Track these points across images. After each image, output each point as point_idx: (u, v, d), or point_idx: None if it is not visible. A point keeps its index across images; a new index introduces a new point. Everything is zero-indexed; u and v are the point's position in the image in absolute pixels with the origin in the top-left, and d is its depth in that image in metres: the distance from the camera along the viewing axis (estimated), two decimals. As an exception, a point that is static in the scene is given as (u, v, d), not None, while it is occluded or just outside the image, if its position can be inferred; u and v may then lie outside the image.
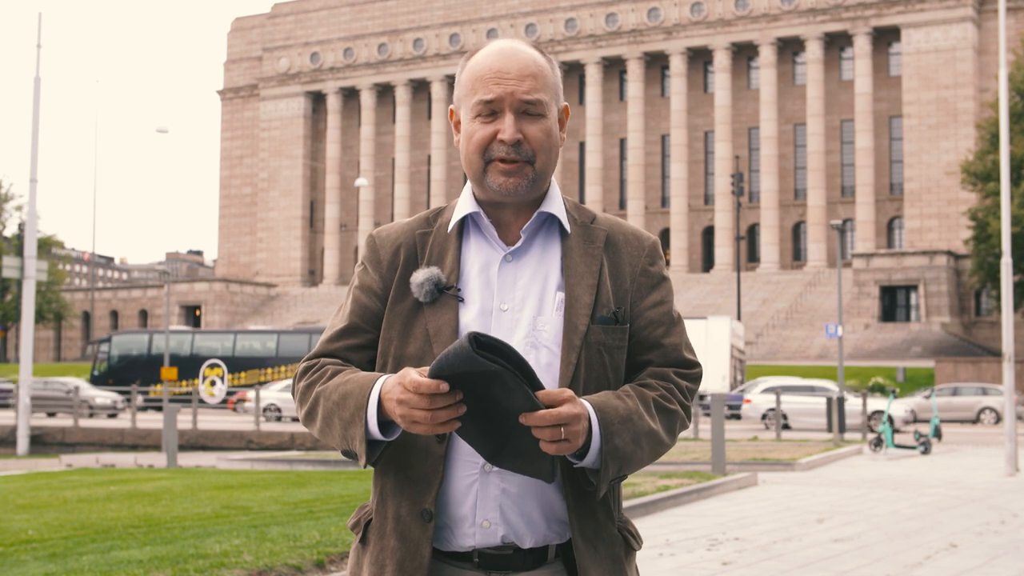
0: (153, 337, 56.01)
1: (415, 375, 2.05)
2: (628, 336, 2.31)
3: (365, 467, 2.24)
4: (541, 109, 2.28)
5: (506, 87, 2.26)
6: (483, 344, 2.00)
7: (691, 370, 2.34)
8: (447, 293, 2.28)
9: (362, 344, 2.34)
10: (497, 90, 2.26)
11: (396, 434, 2.19)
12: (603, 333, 2.28)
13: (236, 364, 52.25)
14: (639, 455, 2.21)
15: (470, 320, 2.26)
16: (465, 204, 2.35)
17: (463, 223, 2.35)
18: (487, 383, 2.01)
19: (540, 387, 2.06)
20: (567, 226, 2.34)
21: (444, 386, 2.02)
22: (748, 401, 36.30)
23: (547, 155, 2.29)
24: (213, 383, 50.34)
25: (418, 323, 2.28)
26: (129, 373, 51.56)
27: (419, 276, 2.28)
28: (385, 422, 2.16)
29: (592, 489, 2.20)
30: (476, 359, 1.98)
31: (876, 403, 34.30)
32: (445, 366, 2.00)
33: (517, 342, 2.24)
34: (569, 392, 2.08)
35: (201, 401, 48.53)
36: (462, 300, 2.28)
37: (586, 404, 2.13)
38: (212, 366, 51.94)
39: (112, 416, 42.08)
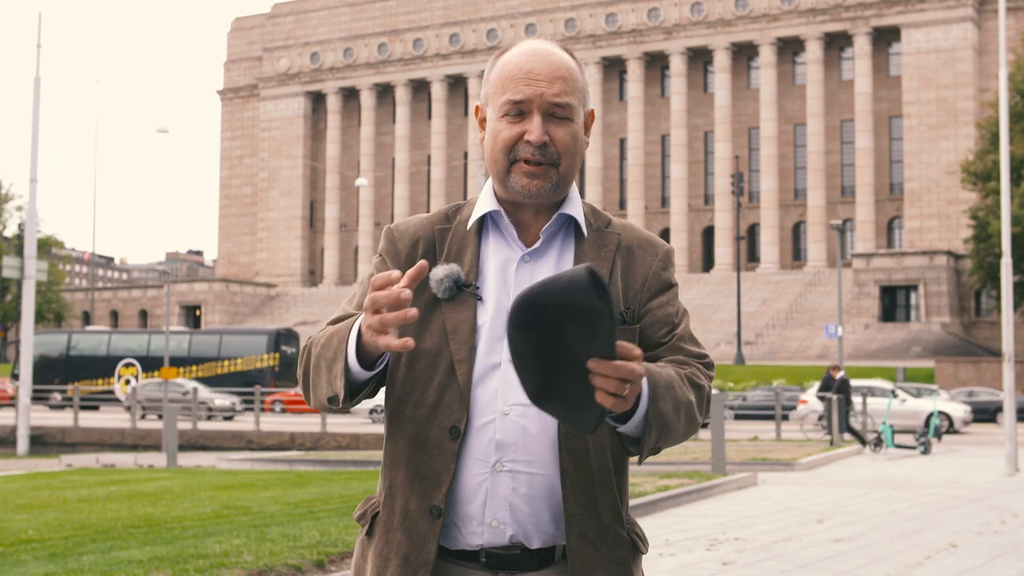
0: (72, 337, 57.66)
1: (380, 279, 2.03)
2: (637, 336, 2.31)
3: (342, 405, 2.19)
4: (569, 113, 2.27)
5: (536, 88, 2.25)
6: (596, 281, 1.92)
7: (703, 360, 2.34)
8: (466, 291, 2.26)
9: None
10: (527, 91, 2.25)
11: (380, 366, 2.16)
12: None
13: (150, 363, 53.58)
14: (676, 426, 2.17)
15: (486, 319, 2.25)
16: (486, 202, 2.33)
17: (482, 221, 2.34)
18: (565, 320, 1.92)
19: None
20: (584, 230, 2.33)
21: (397, 273, 2.01)
22: (804, 402, 36.17)
23: (572, 159, 2.28)
24: (128, 381, 51.32)
25: (435, 319, 2.26)
26: (49, 372, 52.74)
27: (439, 272, 2.26)
28: (373, 361, 2.14)
29: (634, 454, 2.18)
30: (590, 294, 1.91)
31: (936, 404, 34.07)
32: (551, 291, 1.92)
33: None
34: (640, 351, 2.01)
35: (117, 399, 50.33)
36: (480, 299, 2.27)
37: None
38: (127, 365, 53.27)
39: (228, 419, 41.50)
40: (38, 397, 47.15)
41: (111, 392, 51.88)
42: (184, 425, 33.70)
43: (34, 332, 59.48)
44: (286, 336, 55.79)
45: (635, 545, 2.32)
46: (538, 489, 2.21)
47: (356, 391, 2.18)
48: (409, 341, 2.01)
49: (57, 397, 49.90)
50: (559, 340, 1.94)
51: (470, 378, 2.22)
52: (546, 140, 2.25)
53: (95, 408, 47.85)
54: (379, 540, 2.27)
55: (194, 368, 52.98)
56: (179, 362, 52.75)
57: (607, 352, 1.93)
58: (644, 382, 2.08)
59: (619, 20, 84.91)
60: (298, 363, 2.32)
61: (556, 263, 2.30)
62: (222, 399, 42.69)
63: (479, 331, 2.24)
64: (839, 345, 35.88)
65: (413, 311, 2.01)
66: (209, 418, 41.36)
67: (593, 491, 2.23)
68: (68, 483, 16.89)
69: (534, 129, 2.24)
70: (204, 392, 43.20)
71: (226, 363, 53.40)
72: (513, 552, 2.21)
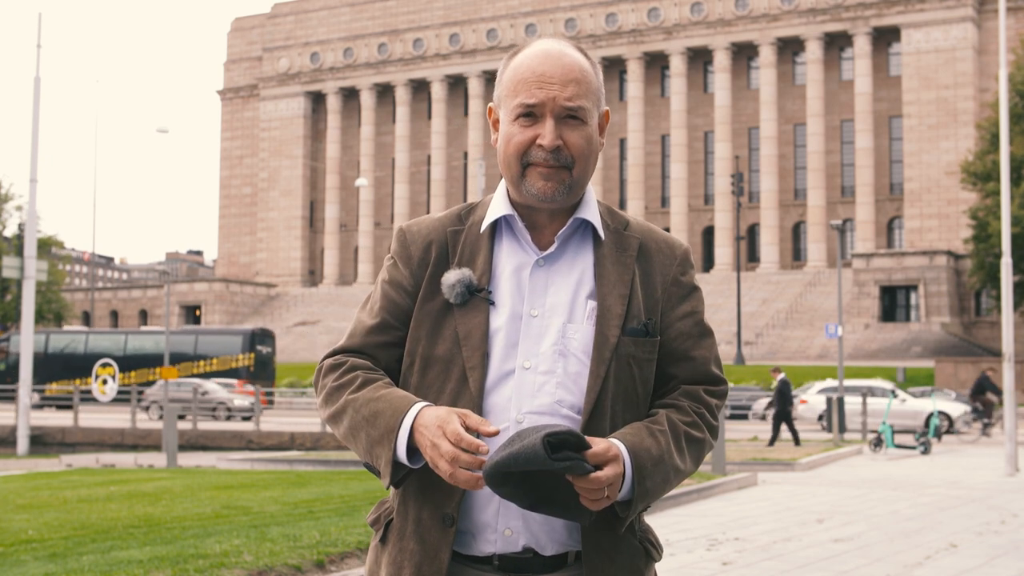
0: (50, 337, 57.69)
1: (458, 425, 2.06)
2: (658, 348, 2.30)
3: (388, 488, 2.23)
4: (583, 116, 2.24)
5: (548, 92, 2.22)
6: (555, 446, 2.01)
7: (719, 387, 2.34)
8: (478, 296, 2.25)
9: (391, 342, 2.31)
10: (539, 94, 2.22)
11: (423, 463, 2.18)
12: (633, 345, 2.25)
13: (127, 363, 53.64)
14: (665, 490, 2.23)
15: (500, 324, 2.23)
16: (499, 205, 2.31)
17: (496, 223, 2.32)
18: (537, 476, 2.05)
19: (588, 447, 2.07)
20: (601, 233, 2.30)
21: (484, 447, 2.04)
22: (804, 402, 36.30)
23: (586, 162, 2.26)
24: (105, 381, 51.18)
25: (447, 324, 2.25)
26: None
27: (451, 277, 2.25)
28: (414, 448, 2.16)
29: (618, 523, 2.21)
30: (549, 463, 2.00)
31: (938, 404, 33.89)
32: (513, 465, 2.01)
33: (546, 349, 2.22)
34: (614, 450, 2.08)
35: (94, 399, 50.15)
36: (493, 304, 2.25)
37: (622, 450, 2.13)
38: (104, 365, 53.24)
39: (247, 419, 41.09)
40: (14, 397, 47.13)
41: (88, 392, 51.72)
42: (184, 425, 33.70)
43: (14, 332, 59.74)
44: (261, 336, 55.55)
45: (648, 553, 2.31)
46: None
47: (399, 470, 2.21)
48: (481, 482, 2.06)
49: (35, 397, 49.79)
50: (536, 476, 2.05)
51: (483, 385, 2.21)
52: (559, 144, 2.22)
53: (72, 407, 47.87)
54: (393, 548, 2.27)
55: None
56: (156, 361, 52.41)
57: (579, 472, 2.04)
58: (629, 466, 2.13)
59: (619, 20, 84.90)
60: (324, 399, 2.31)
61: (571, 267, 2.29)
62: (241, 399, 42.60)
63: (492, 337, 2.22)
64: (839, 345, 35.78)
65: (480, 476, 2.06)
66: (228, 418, 41.37)
67: (612, 521, 2.23)
68: (68, 483, 16.89)
69: (547, 134, 2.21)
70: (222, 392, 43.14)
71: (201, 363, 53.27)
72: (526, 556, 2.21)
